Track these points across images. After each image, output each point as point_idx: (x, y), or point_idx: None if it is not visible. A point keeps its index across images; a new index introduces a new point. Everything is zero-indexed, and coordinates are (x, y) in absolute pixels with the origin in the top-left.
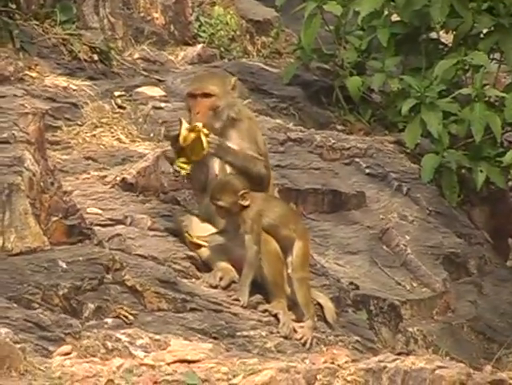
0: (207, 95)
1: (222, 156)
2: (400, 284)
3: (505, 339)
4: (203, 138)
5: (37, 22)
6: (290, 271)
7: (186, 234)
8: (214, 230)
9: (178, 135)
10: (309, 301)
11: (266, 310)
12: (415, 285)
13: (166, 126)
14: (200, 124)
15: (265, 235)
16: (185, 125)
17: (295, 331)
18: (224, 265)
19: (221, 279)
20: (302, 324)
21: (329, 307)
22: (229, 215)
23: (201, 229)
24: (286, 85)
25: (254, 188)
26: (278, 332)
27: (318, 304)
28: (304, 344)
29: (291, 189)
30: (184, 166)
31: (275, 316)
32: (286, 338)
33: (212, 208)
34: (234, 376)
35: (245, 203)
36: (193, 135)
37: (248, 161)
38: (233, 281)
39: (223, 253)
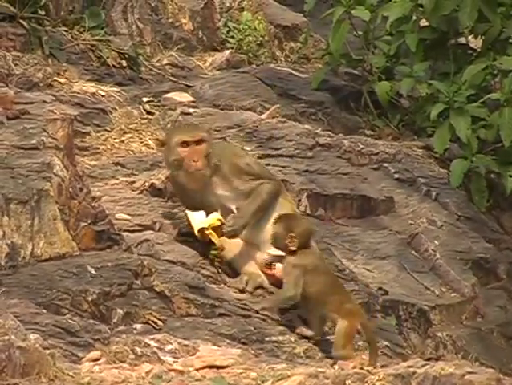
0: (200, 142)
1: (242, 228)
2: (429, 289)
3: None
4: (214, 240)
5: (66, 29)
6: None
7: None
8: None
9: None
10: None
11: None
12: (444, 290)
13: None
14: (207, 224)
15: None
16: (195, 223)
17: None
18: (251, 269)
19: (247, 283)
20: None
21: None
22: (276, 245)
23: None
24: (315, 90)
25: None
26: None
27: None
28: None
29: (320, 194)
30: (217, 253)
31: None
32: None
33: None
34: (263, 382)
35: (290, 246)
36: (207, 231)
37: (256, 200)
38: (261, 286)
39: (251, 259)
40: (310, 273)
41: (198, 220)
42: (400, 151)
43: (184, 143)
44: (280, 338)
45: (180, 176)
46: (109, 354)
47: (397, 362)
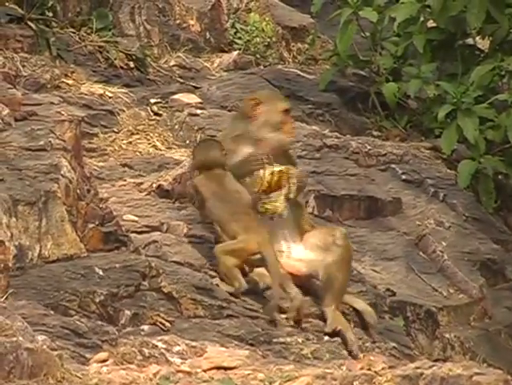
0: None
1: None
2: (436, 290)
3: None
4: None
5: (73, 30)
6: None
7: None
8: None
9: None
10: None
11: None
12: (452, 291)
13: (202, 133)
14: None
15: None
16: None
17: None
18: (259, 270)
19: (255, 284)
20: None
21: (368, 311)
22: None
23: None
24: (322, 91)
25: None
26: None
27: (355, 310)
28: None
29: (327, 195)
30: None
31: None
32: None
33: None
34: (271, 383)
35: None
36: (276, 178)
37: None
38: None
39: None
40: (208, 199)
41: None
42: (407, 153)
43: (287, 111)
44: (288, 339)
45: (273, 139)
46: (117, 356)
47: (405, 363)
